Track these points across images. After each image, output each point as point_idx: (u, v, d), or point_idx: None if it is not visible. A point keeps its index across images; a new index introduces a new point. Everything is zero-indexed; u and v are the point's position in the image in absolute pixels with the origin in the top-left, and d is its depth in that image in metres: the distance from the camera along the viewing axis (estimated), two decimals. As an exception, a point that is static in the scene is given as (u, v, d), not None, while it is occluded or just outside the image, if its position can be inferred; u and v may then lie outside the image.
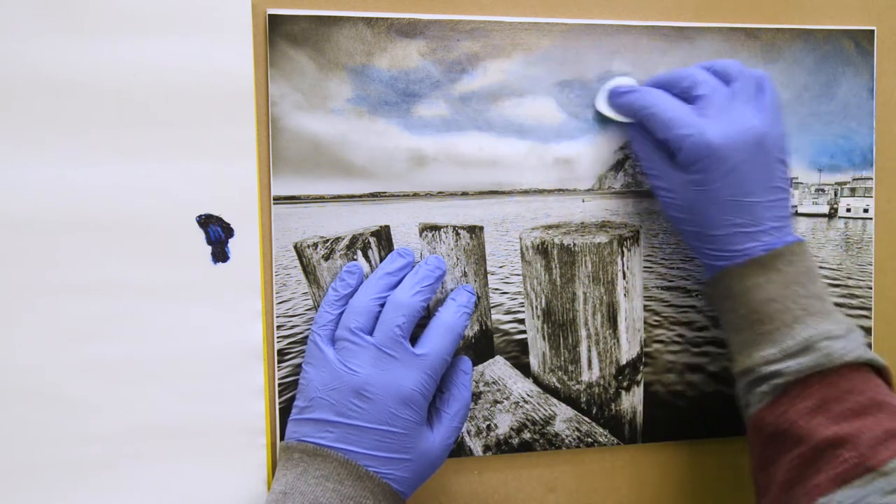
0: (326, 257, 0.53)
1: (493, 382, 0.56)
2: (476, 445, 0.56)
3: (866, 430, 0.45)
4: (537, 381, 0.57)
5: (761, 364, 0.49)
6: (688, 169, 0.50)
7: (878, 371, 0.49)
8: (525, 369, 0.57)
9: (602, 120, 0.56)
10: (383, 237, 0.54)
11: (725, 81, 0.52)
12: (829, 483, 0.44)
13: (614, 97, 0.54)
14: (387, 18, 0.52)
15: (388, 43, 0.52)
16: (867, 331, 0.62)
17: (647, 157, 0.53)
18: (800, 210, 0.61)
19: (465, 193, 0.55)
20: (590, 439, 0.57)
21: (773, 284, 0.49)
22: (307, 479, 0.46)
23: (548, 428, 0.57)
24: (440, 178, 0.54)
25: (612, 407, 0.58)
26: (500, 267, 0.56)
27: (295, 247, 0.52)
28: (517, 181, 0.55)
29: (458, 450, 0.55)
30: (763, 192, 0.49)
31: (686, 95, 0.51)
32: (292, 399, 0.51)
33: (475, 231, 0.55)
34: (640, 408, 0.59)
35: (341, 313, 0.50)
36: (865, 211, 0.62)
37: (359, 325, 0.49)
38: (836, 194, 0.62)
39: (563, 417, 0.57)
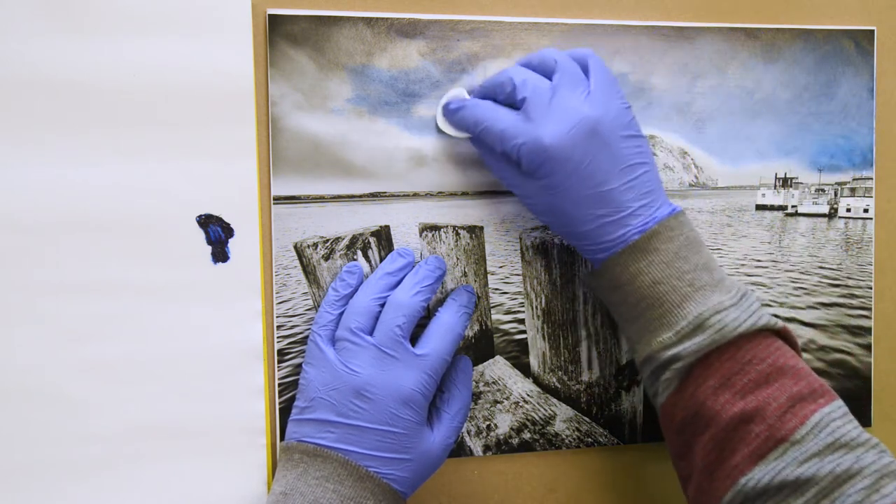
0: (326, 257, 0.53)
1: (493, 382, 0.56)
2: (476, 445, 0.56)
3: (772, 399, 0.44)
4: (537, 381, 0.57)
5: (659, 350, 0.47)
6: (534, 175, 0.47)
7: (779, 334, 0.47)
8: (525, 369, 0.57)
9: (448, 137, 0.53)
10: (383, 237, 0.54)
11: (548, 75, 0.49)
12: (746, 462, 0.44)
13: (448, 115, 0.52)
14: (387, 18, 0.52)
15: (388, 43, 0.52)
16: (867, 331, 0.62)
17: (499, 169, 0.50)
18: (800, 210, 0.61)
19: (465, 193, 0.55)
20: (590, 439, 0.57)
21: (655, 266, 0.47)
22: (307, 480, 0.46)
23: (548, 428, 0.57)
24: (440, 178, 0.54)
25: (612, 407, 0.58)
26: (500, 267, 0.56)
27: (295, 247, 0.52)
28: (517, 181, 0.55)
29: (458, 450, 0.55)
30: (617, 176, 0.47)
31: (511, 101, 0.49)
32: (292, 399, 0.51)
33: (475, 231, 0.55)
34: (640, 408, 0.58)
35: (341, 313, 0.50)
36: (865, 211, 0.62)
37: (359, 326, 0.49)
38: (836, 194, 0.62)
39: (563, 417, 0.57)
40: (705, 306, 0.46)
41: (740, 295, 0.47)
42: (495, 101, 0.50)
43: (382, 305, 0.50)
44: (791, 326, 0.61)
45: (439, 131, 0.53)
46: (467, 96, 0.52)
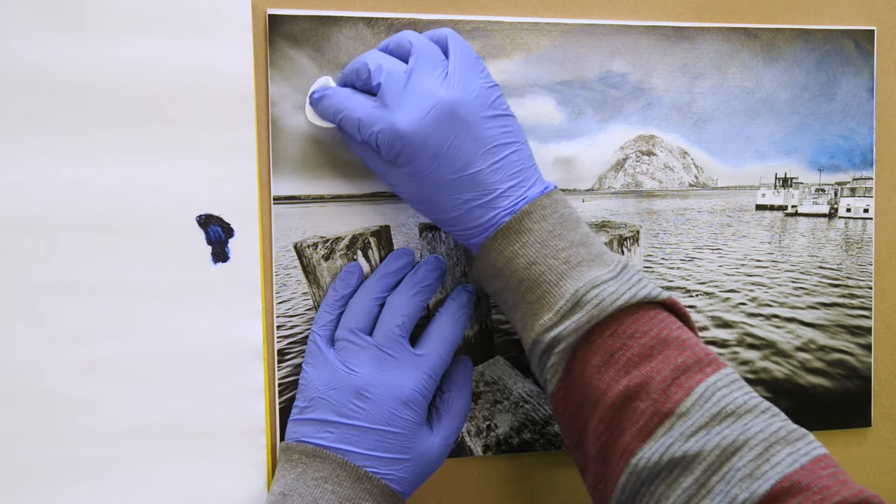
0: (326, 257, 0.53)
1: (493, 382, 0.56)
2: (476, 445, 0.56)
3: (655, 373, 0.42)
4: (537, 381, 0.57)
5: (541, 333, 0.44)
6: (395, 163, 0.46)
7: (665, 307, 0.45)
8: (525, 369, 0.57)
9: (317, 128, 0.52)
10: (383, 237, 0.54)
11: (405, 58, 0.47)
12: (635, 440, 0.41)
13: (313, 104, 0.50)
14: (387, 18, 0.52)
15: (388, 43, 0.52)
16: (867, 331, 0.62)
17: (367, 158, 0.49)
18: (800, 210, 0.61)
19: (465, 193, 0.55)
20: (590, 439, 0.57)
21: (529, 246, 0.45)
22: (306, 481, 0.46)
23: (548, 428, 0.57)
24: (440, 178, 0.54)
25: (612, 407, 0.58)
26: (500, 267, 0.56)
27: (295, 247, 0.52)
28: (517, 181, 0.55)
29: (458, 450, 0.55)
30: (481, 158, 0.45)
31: (369, 87, 0.47)
32: (292, 399, 0.51)
33: (475, 231, 0.55)
34: (640, 408, 0.58)
35: (341, 313, 0.50)
36: (865, 211, 0.62)
37: (358, 326, 0.49)
38: (836, 194, 0.62)
39: (563, 417, 0.57)
40: (581, 282, 0.44)
41: (620, 267, 0.45)
42: (354, 88, 0.48)
43: (382, 305, 0.50)
44: (791, 326, 0.61)
45: (309, 123, 0.51)
46: (333, 85, 0.50)
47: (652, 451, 0.41)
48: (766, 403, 0.42)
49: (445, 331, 0.50)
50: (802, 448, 0.39)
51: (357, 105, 0.47)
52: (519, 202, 0.46)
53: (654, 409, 0.41)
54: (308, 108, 0.51)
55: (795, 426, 0.41)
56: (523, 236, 0.45)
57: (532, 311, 0.45)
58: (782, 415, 0.42)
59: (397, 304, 0.49)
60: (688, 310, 0.46)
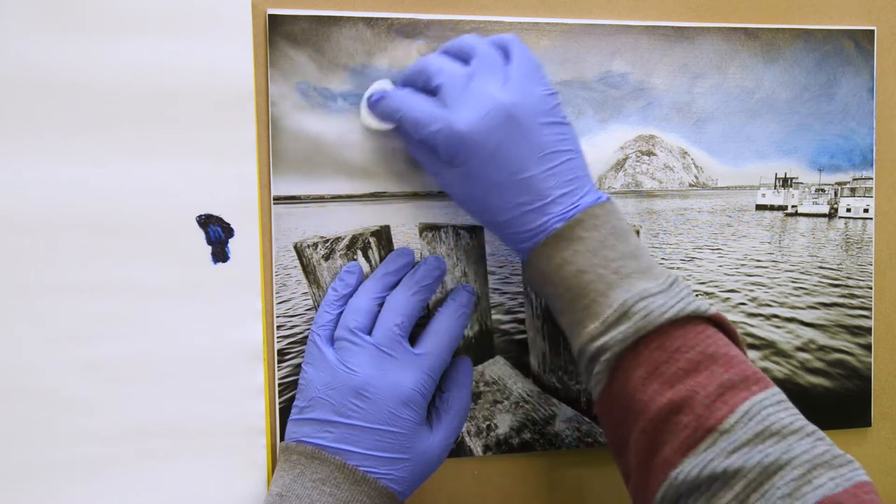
0: (326, 257, 0.53)
1: (493, 382, 0.56)
2: (476, 445, 0.56)
3: (700, 388, 0.42)
4: (537, 381, 0.57)
5: (587, 342, 0.45)
6: (452, 163, 0.46)
7: (713, 322, 0.45)
8: (525, 369, 0.57)
9: (374, 133, 0.52)
10: (383, 237, 0.54)
11: (465, 61, 0.48)
12: (675, 454, 0.41)
13: (371, 107, 0.51)
14: (387, 18, 0.52)
15: (388, 43, 0.52)
16: (867, 331, 0.62)
17: (421, 158, 0.49)
18: (800, 210, 0.61)
19: (465, 193, 0.55)
20: (590, 439, 0.57)
21: (580, 254, 0.45)
22: (304, 483, 0.46)
23: (548, 428, 0.57)
24: (440, 178, 0.54)
25: (612, 407, 0.58)
26: (500, 267, 0.56)
27: (295, 247, 0.52)
28: (517, 181, 0.55)
29: (458, 450, 0.55)
30: (536, 163, 0.45)
31: (429, 88, 0.48)
32: (292, 399, 0.51)
33: (475, 231, 0.55)
34: (640, 408, 0.58)
35: (341, 313, 0.50)
36: (865, 211, 0.62)
37: (358, 325, 0.49)
38: (836, 194, 0.62)
39: (563, 417, 0.57)
40: (630, 293, 0.44)
41: (670, 282, 0.45)
42: (414, 89, 0.49)
43: (381, 305, 0.50)
44: (791, 326, 0.61)
45: (365, 128, 0.52)
46: (391, 87, 0.51)
47: (692, 466, 0.40)
48: (813, 427, 0.42)
49: (445, 330, 0.50)
50: (846, 473, 0.39)
51: (417, 104, 0.47)
52: (571, 210, 0.46)
53: (697, 424, 0.41)
54: (364, 110, 0.51)
55: (841, 452, 0.41)
56: (574, 244, 0.45)
57: (579, 320, 0.45)
58: (828, 439, 0.41)
59: (396, 304, 0.49)
60: (736, 329, 0.47)
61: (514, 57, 0.47)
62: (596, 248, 0.45)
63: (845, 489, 0.38)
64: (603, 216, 0.46)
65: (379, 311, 0.49)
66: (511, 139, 0.45)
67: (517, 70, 0.47)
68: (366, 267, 0.53)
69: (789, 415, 0.41)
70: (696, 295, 0.47)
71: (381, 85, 0.51)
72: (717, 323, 0.45)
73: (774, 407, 0.41)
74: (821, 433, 0.41)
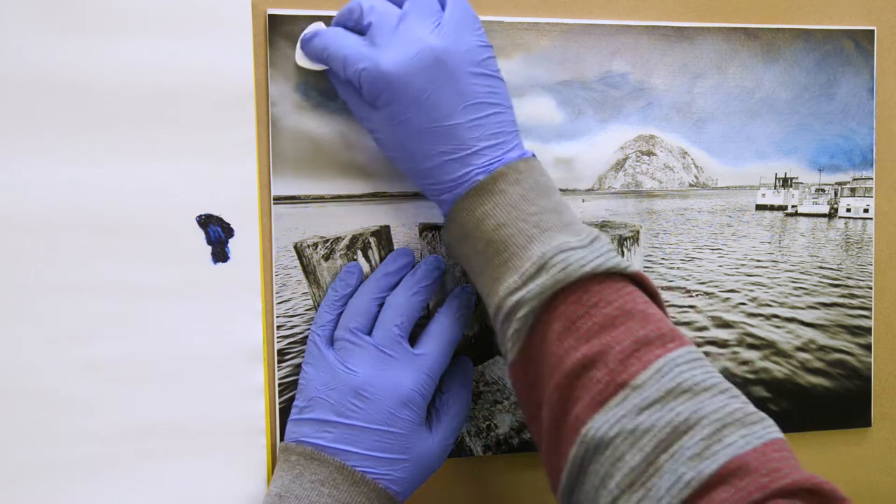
0: (326, 257, 0.53)
1: (493, 382, 0.56)
2: (476, 445, 0.56)
3: (615, 343, 0.40)
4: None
5: (505, 297, 0.43)
6: (375, 104, 0.46)
7: (634, 281, 0.44)
8: (525, 369, 0.57)
9: (307, 72, 0.51)
10: (383, 237, 0.54)
11: (399, 4, 0.47)
12: (587, 409, 0.39)
13: (304, 45, 0.50)
14: (387, 18, 0.52)
15: (388, 43, 0.52)
16: (867, 331, 0.62)
17: (349, 99, 0.48)
18: (800, 210, 0.61)
19: (465, 193, 0.55)
20: (590, 439, 0.57)
21: (501, 208, 0.44)
22: (303, 483, 0.46)
23: (548, 428, 0.57)
24: (440, 178, 0.54)
25: (612, 407, 0.58)
26: (500, 267, 0.56)
27: (295, 247, 0.52)
28: (517, 181, 0.55)
29: (458, 450, 0.55)
30: (462, 112, 0.45)
31: (360, 27, 0.47)
32: (292, 399, 0.51)
33: (475, 231, 0.55)
34: (640, 408, 0.58)
35: (341, 313, 0.50)
36: (865, 211, 0.62)
37: (358, 325, 0.49)
38: (836, 194, 0.62)
39: (563, 417, 0.57)
40: (549, 246, 0.43)
41: (591, 238, 0.44)
42: (346, 28, 0.48)
43: (381, 305, 0.50)
44: (791, 326, 0.61)
45: (298, 68, 0.51)
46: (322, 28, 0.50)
47: (603, 422, 0.39)
48: (727, 384, 0.40)
49: (445, 331, 0.50)
50: (757, 431, 0.38)
51: (346, 43, 0.46)
52: (494, 163, 0.45)
53: (610, 379, 0.39)
54: (298, 50, 0.51)
55: (754, 409, 0.39)
56: (495, 197, 0.44)
57: (497, 275, 0.44)
58: (742, 397, 0.40)
59: (396, 304, 0.49)
60: (658, 289, 0.45)
61: (449, 4, 0.47)
62: (517, 202, 0.44)
63: (755, 447, 0.37)
64: (526, 171, 0.45)
65: (379, 312, 0.49)
66: (437, 84, 0.44)
67: (451, 17, 0.46)
68: (366, 267, 0.53)
69: (703, 372, 0.40)
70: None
71: (316, 26, 0.50)
72: (638, 282, 0.44)
73: (689, 364, 0.40)
74: (735, 391, 0.40)
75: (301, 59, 0.51)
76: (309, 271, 0.53)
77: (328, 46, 0.47)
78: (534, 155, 0.47)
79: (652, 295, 0.44)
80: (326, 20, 0.51)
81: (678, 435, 0.38)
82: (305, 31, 0.50)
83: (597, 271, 0.42)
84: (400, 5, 0.47)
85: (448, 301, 0.52)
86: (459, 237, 0.46)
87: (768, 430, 0.38)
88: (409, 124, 0.45)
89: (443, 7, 0.47)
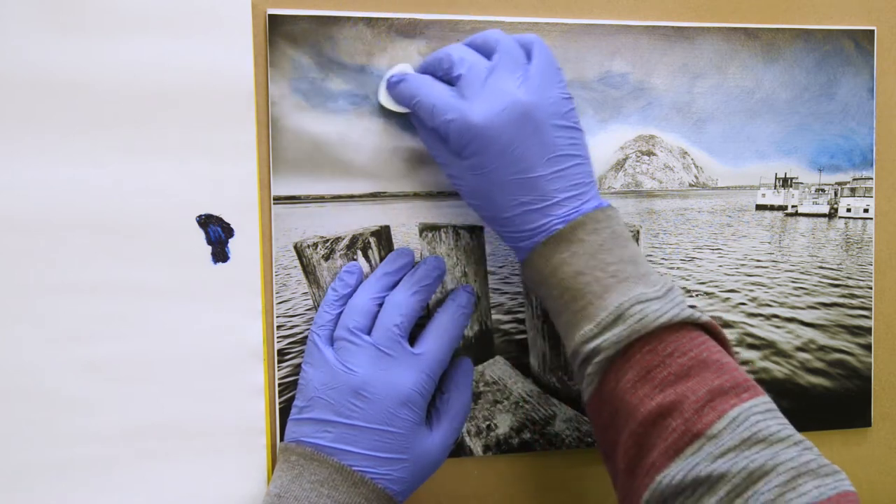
0: (326, 257, 0.53)
1: (493, 382, 0.56)
2: (476, 445, 0.56)
3: (690, 393, 0.42)
4: (537, 381, 0.57)
5: (581, 343, 0.45)
6: (461, 154, 0.46)
7: (706, 329, 0.45)
8: (525, 369, 0.57)
9: (388, 112, 0.52)
10: (383, 237, 0.54)
11: (488, 55, 0.48)
12: (663, 458, 0.41)
13: (390, 88, 0.51)
14: (387, 18, 0.52)
15: (388, 43, 0.52)
16: (867, 331, 0.62)
17: (432, 146, 0.49)
18: (800, 210, 0.61)
19: (465, 193, 0.55)
20: (590, 439, 0.57)
21: (579, 257, 0.45)
22: (302, 484, 0.46)
23: (548, 428, 0.57)
24: (440, 178, 0.54)
25: (612, 407, 0.58)
26: (500, 267, 0.56)
27: (295, 247, 0.52)
28: (517, 181, 0.55)
29: (458, 450, 0.55)
30: (545, 164, 0.46)
31: (449, 78, 0.48)
32: (292, 399, 0.51)
33: (475, 231, 0.55)
34: (640, 408, 0.58)
35: (340, 313, 0.50)
36: (865, 211, 0.62)
37: (357, 325, 0.49)
38: (836, 194, 0.62)
39: (563, 417, 0.57)
40: (626, 297, 0.44)
41: (666, 289, 0.45)
42: (434, 77, 0.49)
43: (381, 305, 0.50)
44: (791, 326, 0.61)
45: (381, 107, 0.52)
46: (411, 71, 0.52)
47: (678, 470, 0.40)
48: (800, 436, 0.41)
49: (445, 330, 0.50)
50: (831, 483, 0.39)
51: (435, 92, 0.47)
52: (573, 213, 0.46)
53: (685, 429, 0.41)
54: (383, 90, 0.52)
55: (827, 462, 0.40)
56: (573, 245, 0.45)
57: (574, 321, 0.46)
58: (815, 449, 0.41)
59: (396, 304, 0.49)
60: (728, 337, 0.47)
61: (535, 57, 0.47)
62: (594, 251, 0.45)
63: (828, 498, 0.38)
64: (604, 221, 0.46)
65: (378, 312, 0.49)
66: (524, 137, 0.45)
67: (537, 70, 0.47)
68: (366, 267, 0.53)
69: (777, 423, 0.41)
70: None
71: (402, 68, 0.52)
72: (710, 330, 0.45)
73: (763, 415, 0.41)
74: (809, 443, 0.41)
75: (385, 100, 0.52)
76: (309, 271, 0.53)
77: (417, 94, 0.48)
78: (610, 205, 0.47)
79: (722, 343, 0.46)
80: (326, 20, 0.51)
81: (753, 481, 0.39)
82: (392, 73, 0.51)
83: (671, 322, 0.43)
84: (488, 56, 0.48)
85: (448, 301, 0.52)
86: (537, 282, 0.47)
87: (842, 482, 0.39)
88: (493, 175, 0.46)
89: (528, 58, 0.48)
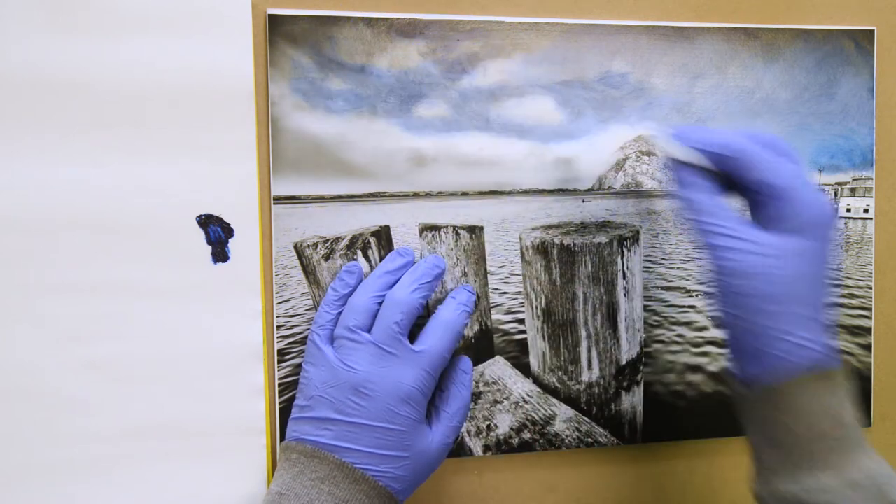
0: (326, 257, 0.53)
1: (493, 382, 0.56)
2: (476, 445, 0.56)
3: None
4: (537, 381, 0.57)
5: (816, 490, 0.42)
6: (804, 232, 0.43)
7: None
8: (525, 369, 0.57)
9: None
10: (383, 237, 0.54)
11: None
12: None
13: (689, 133, 0.47)
14: (387, 18, 0.52)
15: (388, 43, 0.52)
16: (867, 331, 0.62)
17: (719, 212, 0.45)
18: (800, 210, 0.61)
19: (465, 193, 0.55)
20: (590, 439, 0.57)
21: (838, 400, 0.43)
22: (303, 481, 0.46)
23: (548, 428, 0.57)
24: (440, 178, 0.54)
25: (612, 407, 0.58)
26: (500, 267, 0.56)
27: (295, 247, 0.52)
28: (517, 181, 0.55)
29: (458, 450, 0.55)
30: (830, 292, 0.45)
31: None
32: (292, 399, 0.51)
33: (475, 231, 0.55)
34: (639, 408, 0.58)
35: (340, 313, 0.50)
36: (865, 211, 0.62)
37: (357, 324, 0.49)
38: (836, 194, 0.62)
39: (563, 417, 0.57)
40: (878, 467, 0.43)
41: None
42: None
43: (381, 304, 0.50)
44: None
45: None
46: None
47: None
48: None
49: (445, 328, 0.50)
50: None
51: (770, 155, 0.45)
52: (835, 357, 0.44)
53: None
54: (666, 142, 0.48)
55: None
56: (838, 388, 0.43)
57: (806, 463, 0.43)
58: None
59: (396, 301, 0.49)
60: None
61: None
62: (850, 402, 0.44)
63: None
64: (848, 374, 0.45)
65: (378, 310, 0.49)
66: (825, 257, 0.44)
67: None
68: (366, 267, 0.53)
69: None
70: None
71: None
72: None
73: None
74: None
75: (675, 150, 0.47)
76: (309, 271, 0.53)
77: (745, 147, 0.45)
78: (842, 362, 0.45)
79: None
80: (326, 20, 0.51)
81: None
82: (683, 127, 0.48)
83: None
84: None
85: (448, 299, 0.52)
86: (778, 408, 0.44)
87: None
88: (817, 268, 0.44)
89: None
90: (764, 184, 0.44)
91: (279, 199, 0.52)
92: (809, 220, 0.43)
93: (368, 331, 0.49)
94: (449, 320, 0.50)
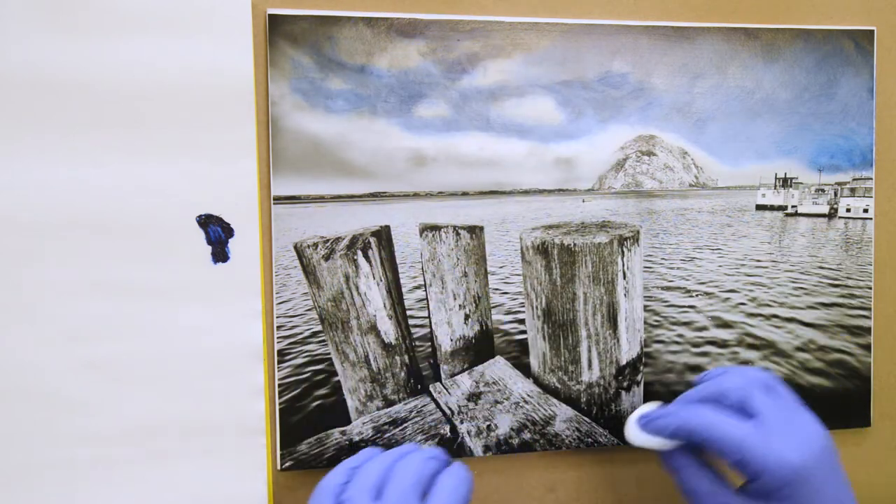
0: (326, 257, 0.53)
1: (493, 382, 0.56)
2: (476, 445, 0.56)
3: None
4: (537, 381, 0.57)
5: None
6: (769, 498, 0.44)
7: None
8: (525, 369, 0.57)
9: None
10: (383, 237, 0.54)
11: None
12: None
13: (651, 422, 0.49)
14: (387, 18, 0.52)
15: (388, 43, 0.52)
16: (867, 331, 0.62)
17: (704, 488, 0.47)
18: (800, 210, 0.61)
19: (465, 193, 0.55)
20: (590, 439, 0.57)
21: None
22: None
23: (548, 428, 0.57)
24: (440, 178, 0.54)
25: (612, 407, 0.58)
26: (500, 267, 0.56)
27: (295, 247, 0.52)
28: (517, 181, 0.55)
29: (459, 450, 0.55)
30: None
31: (740, 408, 0.47)
32: (292, 399, 0.51)
33: (475, 231, 0.55)
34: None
35: (348, 482, 0.45)
36: (865, 211, 0.62)
37: (368, 487, 0.43)
38: (836, 194, 0.62)
39: (563, 417, 0.57)
40: None
41: None
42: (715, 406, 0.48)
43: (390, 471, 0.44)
44: (791, 326, 0.61)
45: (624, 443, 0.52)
46: (657, 409, 0.51)
47: None
48: None
49: (454, 488, 0.44)
50: None
51: (734, 425, 0.45)
52: None
53: None
54: (633, 428, 0.50)
55: None
56: None
57: None
58: None
59: (408, 466, 0.44)
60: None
61: (782, 388, 0.48)
62: None
63: None
64: None
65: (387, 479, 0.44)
66: (827, 476, 0.44)
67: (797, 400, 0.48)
68: (366, 267, 0.53)
69: None
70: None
71: (648, 407, 0.51)
72: None
73: None
74: None
75: (637, 437, 0.50)
76: (309, 271, 0.53)
77: (710, 428, 0.46)
78: None
79: None
80: (326, 20, 0.51)
81: None
82: (644, 412, 0.50)
83: None
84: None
85: (452, 468, 0.46)
86: None
87: None
88: None
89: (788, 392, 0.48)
90: (724, 455, 0.45)
91: (279, 199, 0.52)
92: (769, 485, 0.44)
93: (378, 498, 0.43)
94: (456, 483, 0.44)
